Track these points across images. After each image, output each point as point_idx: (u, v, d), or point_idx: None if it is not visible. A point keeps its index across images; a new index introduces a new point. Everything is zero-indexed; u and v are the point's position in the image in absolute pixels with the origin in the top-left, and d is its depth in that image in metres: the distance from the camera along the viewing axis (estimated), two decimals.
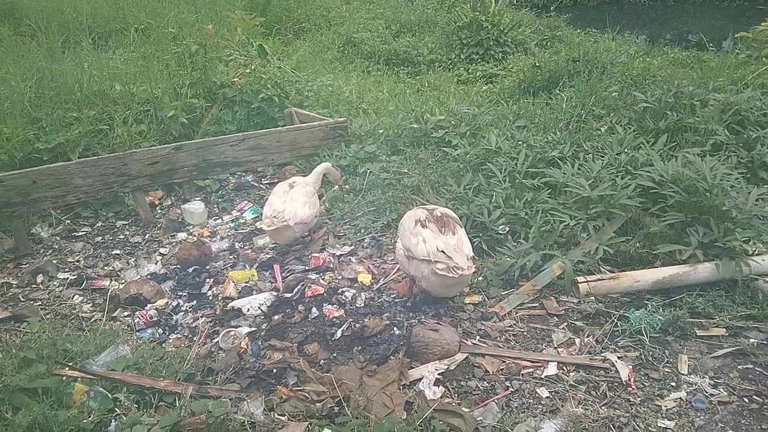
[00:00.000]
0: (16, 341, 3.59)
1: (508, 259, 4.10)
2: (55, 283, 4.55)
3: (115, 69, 6.85)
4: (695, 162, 4.13)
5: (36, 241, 5.15)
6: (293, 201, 4.50)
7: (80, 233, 5.34)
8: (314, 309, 3.90)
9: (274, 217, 4.40)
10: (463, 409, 2.95)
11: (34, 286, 4.51)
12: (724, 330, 3.50)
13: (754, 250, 3.91)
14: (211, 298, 4.22)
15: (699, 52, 9.05)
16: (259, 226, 5.05)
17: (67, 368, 3.10)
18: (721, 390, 3.09)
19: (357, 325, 3.69)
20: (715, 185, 3.89)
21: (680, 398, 3.04)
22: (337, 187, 5.37)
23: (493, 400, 3.05)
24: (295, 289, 4.09)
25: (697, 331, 3.50)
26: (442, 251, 3.52)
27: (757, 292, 3.70)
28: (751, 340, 3.41)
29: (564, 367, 3.30)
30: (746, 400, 3.02)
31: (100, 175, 5.15)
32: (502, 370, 3.30)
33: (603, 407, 3.00)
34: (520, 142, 5.10)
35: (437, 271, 3.48)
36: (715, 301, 3.67)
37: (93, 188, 5.16)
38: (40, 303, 4.27)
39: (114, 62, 7.16)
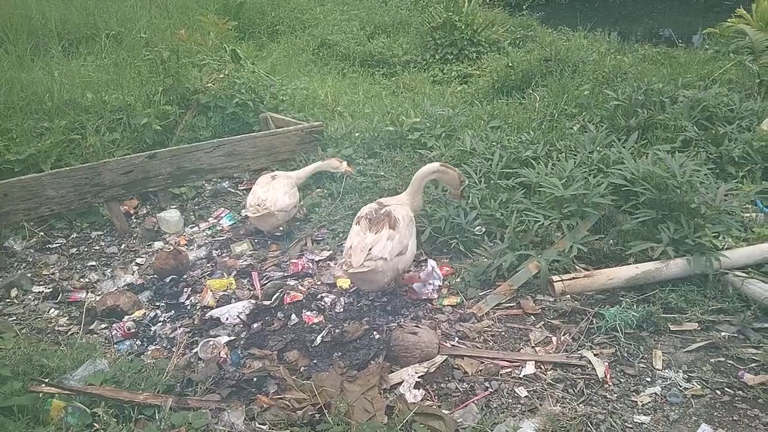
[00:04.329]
0: None
1: (485, 259, 4.14)
2: (29, 296, 4.50)
3: (87, 77, 6.78)
4: (665, 159, 4.21)
5: (9, 254, 5.08)
6: (275, 190, 4.83)
7: (54, 245, 5.27)
8: (293, 316, 3.91)
9: (258, 204, 4.73)
10: (444, 411, 2.98)
11: (8, 300, 4.45)
12: (697, 324, 3.57)
13: (724, 245, 4.00)
14: (189, 307, 4.20)
15: (669, 49, 9.22)
16: (243, 213, 5.31)
17: (43, 384, 3.06)
18: (695, 383, 3.16)
19: (337, 331, 3.70)
20: (684, 182, 3.97)
21: (655, 393, 3.10)
22: (344, 170, 5.32)
23: (473, 401, 3.09)
24: (274, 296, 4.08)
25: (670, 326, 3.57)
26: (350, 248, 3.67)
27: (728, 286, 3.78)
28: (723, 334, 3.49)
29: (542, 366, 3.34)
30: (719, 392, 3.09)
31: (73, 186, 5.09)
32: (481, 370, 3.33)
33: (580, 405, 3.04)
34: (494, 143, 5.15)
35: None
36: (687, 296, 3.74)
37: (66, 199, 5.10)
38: (14, 318, 4.22)
39: (85, 70, 7.08)
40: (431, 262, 4.14)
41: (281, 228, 5.12)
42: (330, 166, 5.28)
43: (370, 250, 3.59)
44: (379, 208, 3.86)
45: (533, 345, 3.53)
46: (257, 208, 4.72)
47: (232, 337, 3.74)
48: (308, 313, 3.93)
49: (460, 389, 3.21)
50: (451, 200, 4.47)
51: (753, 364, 3.24)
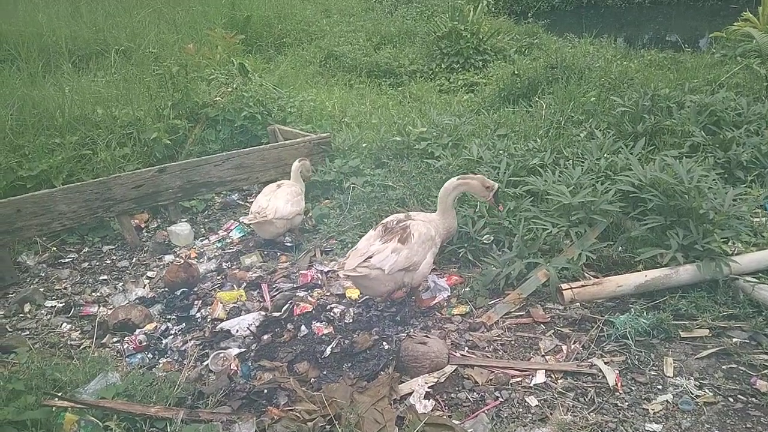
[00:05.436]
0: (4, 373, 3.56)
1: (494, 268, 4.14)
2: (42, 311, 4.54)
3: (97, 93, 6.86)
4: (673, 165, 4.21)
5: (22, 269, 5.13)
6: (277, 199, 4.94)
7: (67, 260, 5.32)
8: (303, 327, 3.92)
9: (257, 212, 4.85)
10: (454, 421, 2.98)
11: (21, 315, 4.50)
12: (708, 331, 3.55)
13: (733, 251, 3.98)
14: (199, 320, 4.23)
15: (675, 53, 9.22)
16: (241, 220, 5.46)
17: (56, 398, 3.09)
18: (707, 391, 3.14)
19: (346, 342, 3.71)
20: (692, 188, 3.96)
21: (667, 401, 3.09)
22: (308, 175, 5.51)
23: (483, 411, 3.08)
24: (284, 308, 4.10)
25: (681, 333, 3.55)
26: (353, 249, 3.77)
27: (738, 292, 3.75)
28: (734, 340, 3.47)
29: (552, 375, 3.33)
30: (731, 399, 3.07)
31: (84, 201, 5.15)
32: (491, 380, 3.33)
33: (591, 413, 3.03)
34: (501, 151, 5.15)
35: None
36: (698, 303, 3.72)
37: (78, 214, 5.16)
38: (28, 332, 4.26)
39: (95, 85, 7.17)
40: (431, 277, 4.21)
41: (287, 237, 5.20)
42: (305, 167, 5.39)
43: (369, 257, 3.62)
44: (401, 220, 3.88)
45: (543, 354, 3.52)
46: (255, 215, 4.84)
47: (243, 349, 3.76)
48: (318, 324, 3.94)
49: (471, 399, 3.21)
50: (492, 208, 4.39)
51: (766, 371, 3.21)
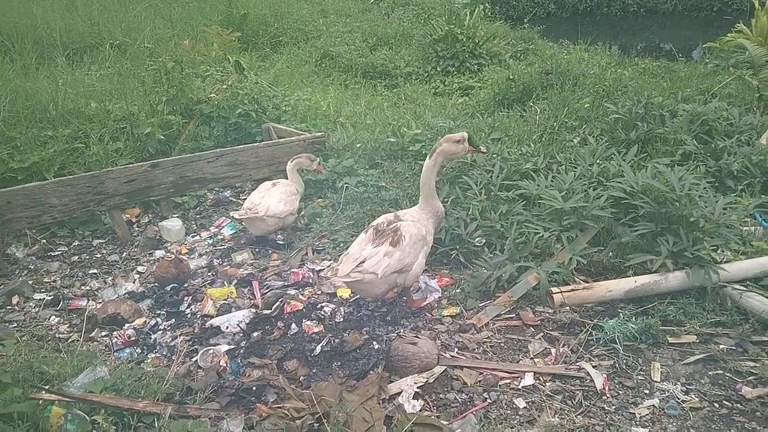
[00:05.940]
0: None
1: (485, 271, 4.15)
2: (31, 304, 4.51)
3: (91, 86, 6.83)
4: (664, 173, 4.24)
5: (11, 261, 5.10)
6: (270, 197, 4.95)
7: (56, 253, 5.30)
8: (294, 325, 3.92)
9: (249, 208, 4.87)
10: (442, 421, 2.99)
11: (9, 307, 4.46)
12: (695, 337, 3.58)
13: (722, 258, 4.02)
14: (189, 316, 4.21)
15: (669, 63, 9.30)
16: (231, 215, 5.49)
17: (43, 391, 3.07)
18: (693, 396, 3.17)
19: (336, 341, 3.71)
20: (683, 195, 4.00)
21: (653, 405, 3.11)
22: (316, 168, 5.47)
23: (472, 412, 3.09)
24: (274, 306, 4.09)
25: (669, 338, 3.58)
26: (346, 254, 3.77)
27: (726, 299, 3.79)
28: (721, 346, 3.50)
29: (540, 378, 3.35)
30: (716, 405, 3.10)
31: (75, 194, 5.12)
32: (479, 381, 3.34)
33: (579, 416, 3.05)
34: (494, 155, 5.17)
35: None
36: (686, 309, 3.75)
37: (69, 207, 5.13)
38: (15, 325, 4.23)
39: (89, 79, 7.13)
40: (422, 278, 4.23)
41: (279, 235, 5.20)
42: (302, 164, 5.38)
43: (362, 262, 3.62)
44: (392, 221, 3.87)
45: (532, 356, 3.54)
46: (246, 211, 4.85)
47: (232, 346, 3.75)
48: (308, 322, 3.94)
49: (459, 400, 3.22)
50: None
51: (751, 377, 3.25)
